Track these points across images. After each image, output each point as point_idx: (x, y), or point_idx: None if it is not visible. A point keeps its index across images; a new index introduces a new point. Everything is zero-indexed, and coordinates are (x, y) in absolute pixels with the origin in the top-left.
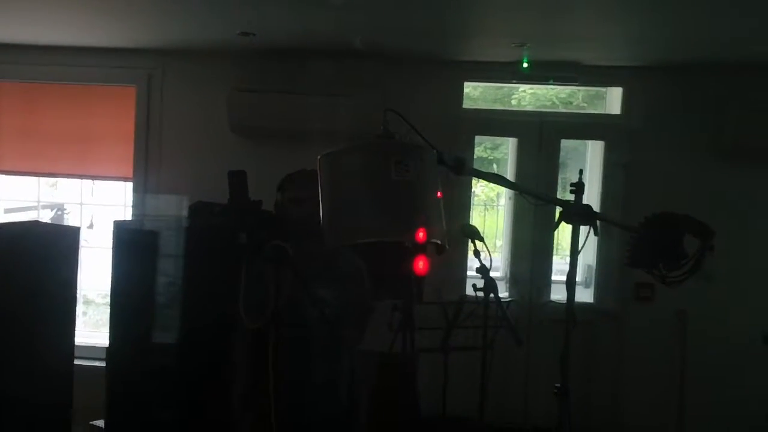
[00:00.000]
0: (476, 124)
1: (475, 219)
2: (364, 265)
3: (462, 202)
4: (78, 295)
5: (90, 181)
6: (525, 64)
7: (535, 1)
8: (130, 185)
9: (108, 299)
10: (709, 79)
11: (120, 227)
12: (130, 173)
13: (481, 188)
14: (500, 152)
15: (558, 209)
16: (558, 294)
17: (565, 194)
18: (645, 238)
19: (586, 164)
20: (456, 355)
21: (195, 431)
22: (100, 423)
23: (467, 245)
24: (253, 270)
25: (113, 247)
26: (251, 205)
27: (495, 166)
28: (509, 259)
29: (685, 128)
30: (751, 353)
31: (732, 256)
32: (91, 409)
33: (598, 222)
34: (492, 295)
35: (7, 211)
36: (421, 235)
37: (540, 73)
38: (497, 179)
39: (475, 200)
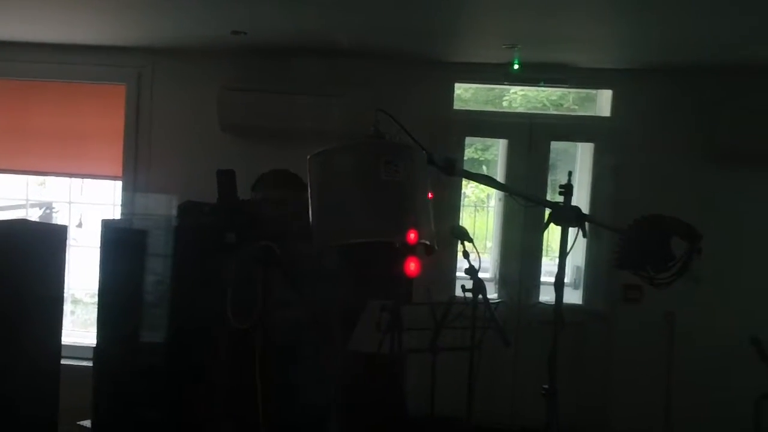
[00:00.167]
0: (466, 126)
1: (466, 220)
2: (342, 265)
3: (452, 203)
4: (66, 295)
5: (79, 179)
6: (515, 66)
7: (525, 3)
8: (119, 184)
9: (96, 299)
10: (699, 82)
11: (108, 226)
12: (119, 172)
13: (471, 189)
14: (491, 153)
15: (547, 211)
16: (547, 295)
17: (555, 196)
18: (633, 240)
19: (576, 166)
20: (444, 355)
21: (182, 431)
22: (87, 423)
23: (457, 246)
24: (241, 270)
25: (101, 246)
26: (240, 205)
27: (485, 167)
28: (499, 261)
29: (675, 131)
30: (739, 355)
31: (720, 259)
32: (78, 409)
33: (586, 224)
34: (480, 296)
35: None
36: (412, 236)
37: (530, 75)
38: (487, 180)
39: (465, 201)
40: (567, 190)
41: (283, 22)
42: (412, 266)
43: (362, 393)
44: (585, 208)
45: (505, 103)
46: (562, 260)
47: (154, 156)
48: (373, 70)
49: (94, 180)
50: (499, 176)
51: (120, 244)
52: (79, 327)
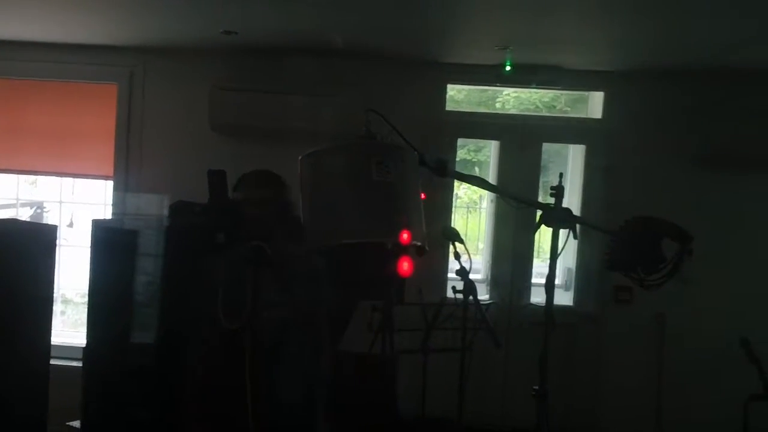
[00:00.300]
0: (458, 127)
1: (458, 221)
2: (334, 266)
3: (444, 204)
4: (56, 295)
5: (70, 179)
6: (507, 67)
7: (518, 5)
8: (110, 184)
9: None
10: (690, 85)
11: (98, 226)
12: (110, 171)
13: (464, 190)
14: (483, 155)
15: (539, 212)
16: (538, 296)
17: (547, 197)
18: (624, 242)
19: (568, 168)
20: (435, 356)
21: None
22: (77, 424)
23: (448, 247)
24: (231, 270)
25: (91, 246)
26: (231, 205)
27: (477, 168)
28: (490, 262)
29: (666, 133)
30: (729, 356)
31: (710, 260)
32: (67, 409)
33: (577, 225)
34: (471, 297)
35: None
36: (405, 236)
37: (522, 77)
38: (478, 182)
39: (458, 202)
40: (558, 191)
41: (275, 22)
42: (405, 266)
43: (354, 394)
44: (576, 210)
45: (498, 105)
46: (553, 262)
47: (146, 156)
48: (366, 71)
49: (86, 179)
50: (491, 177)
51: (110, 244)
52: (70, 327)
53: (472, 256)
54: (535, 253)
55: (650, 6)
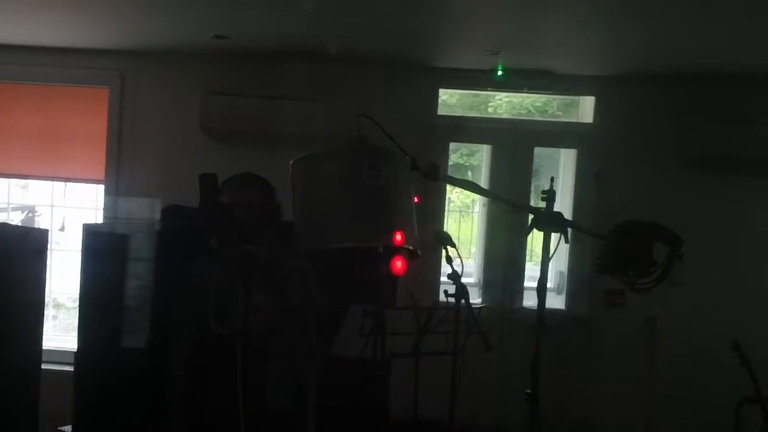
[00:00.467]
0: (450, 131)
1: (451, 225)
2: (325, 270)
3: (436, 209)
4: (48, 299)
5: (62, 183)
6: (499, 72)
7: (509, 9)
8: (102, 187)
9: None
10: (681, 89)
11: (89, 230)
12: (102, 175)
13: (456, 195)
14: (476, 159)
15: (531, 216)
16: (530, 300)
17: (539, 201)
18: (614, 246)
19: (559, 172)
20: (427, 359)
21: None
22: (68, 428)
23: (441, 251)
24: (222, 274)
25: (82, 250)
26: (222, 209)
27: (470, 172)
28: (483, 266)
29: (657, 137)
30: (720, 359)
31: (701, 264)
32: (58, 414)
33: (569, 229)
34: (463, 300)
35: None
36: (398, 237)
37: (514, 81)
38: (470, 186)
39: (450, 206)
40: (550, 195)
41: (266, 26)
42: (398, 264)
43: (345, 397)
44: (568, 214)
45: (490, 109)
46: (545, 265)
47: (137, 160)
48: (357, 75)
49: (77, 183)
50: (483, 181)
51: (102, 248)
52: (61, 331)
53: (464, 259)
54: (527, 257)
55: (641, 11)
